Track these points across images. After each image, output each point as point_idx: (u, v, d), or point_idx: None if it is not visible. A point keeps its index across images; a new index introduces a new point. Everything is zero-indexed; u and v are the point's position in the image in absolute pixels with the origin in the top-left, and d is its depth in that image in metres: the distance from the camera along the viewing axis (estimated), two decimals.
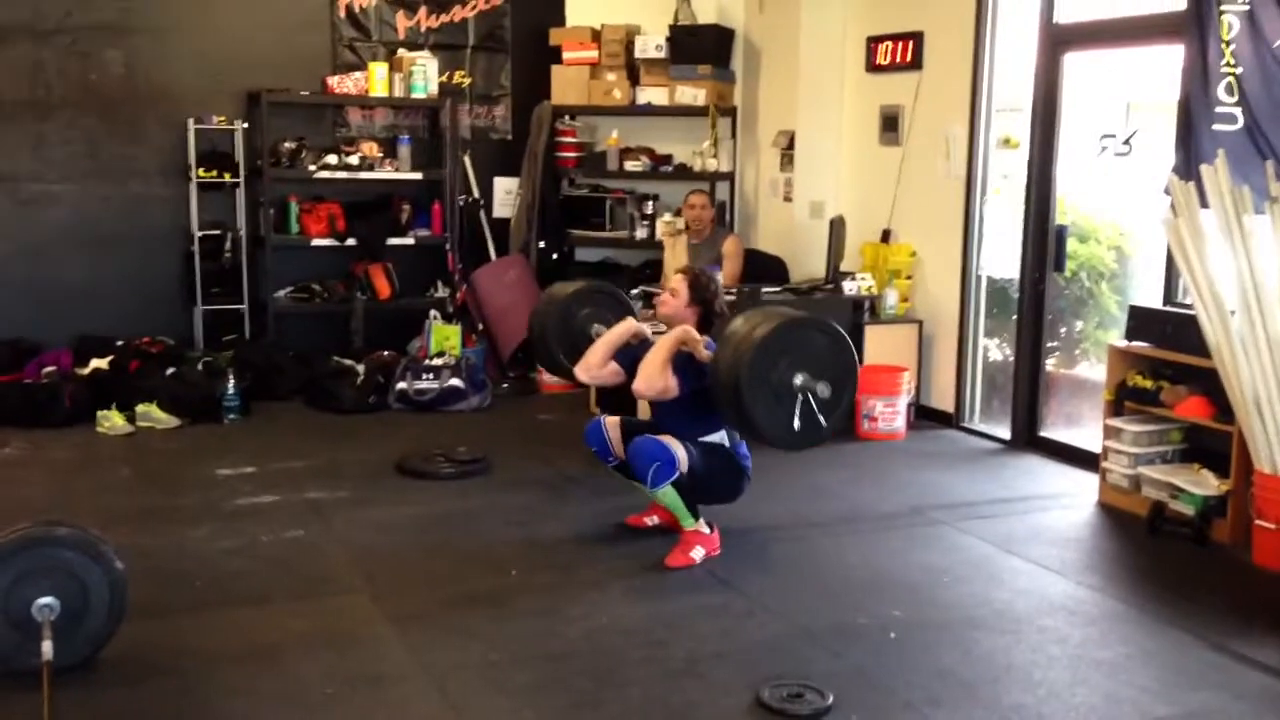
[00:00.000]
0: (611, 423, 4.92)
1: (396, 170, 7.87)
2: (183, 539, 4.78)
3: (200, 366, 6.98)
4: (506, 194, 8.36)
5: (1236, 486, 4.93)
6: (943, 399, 6.98)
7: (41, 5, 7.20)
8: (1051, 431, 6.41)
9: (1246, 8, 4.88)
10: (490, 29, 8.28)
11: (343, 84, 7.76)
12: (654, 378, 4.60)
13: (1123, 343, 5.51)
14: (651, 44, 7.97)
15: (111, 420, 6.44)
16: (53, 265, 7.34)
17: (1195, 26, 5.02)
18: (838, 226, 6.95)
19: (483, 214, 8.27)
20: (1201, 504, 4.98)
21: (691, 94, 7.90)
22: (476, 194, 8.24)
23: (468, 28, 8.22)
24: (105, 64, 7.38)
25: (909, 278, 7.12)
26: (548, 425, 6.84)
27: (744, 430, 4.59)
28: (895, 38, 7.15)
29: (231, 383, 6.71)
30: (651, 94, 8.03)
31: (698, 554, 4.59)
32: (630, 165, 8.12)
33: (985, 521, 5.20)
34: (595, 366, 4.89)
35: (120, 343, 7.14)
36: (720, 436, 4.72)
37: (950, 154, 6.78)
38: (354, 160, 7.74)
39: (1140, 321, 5.44)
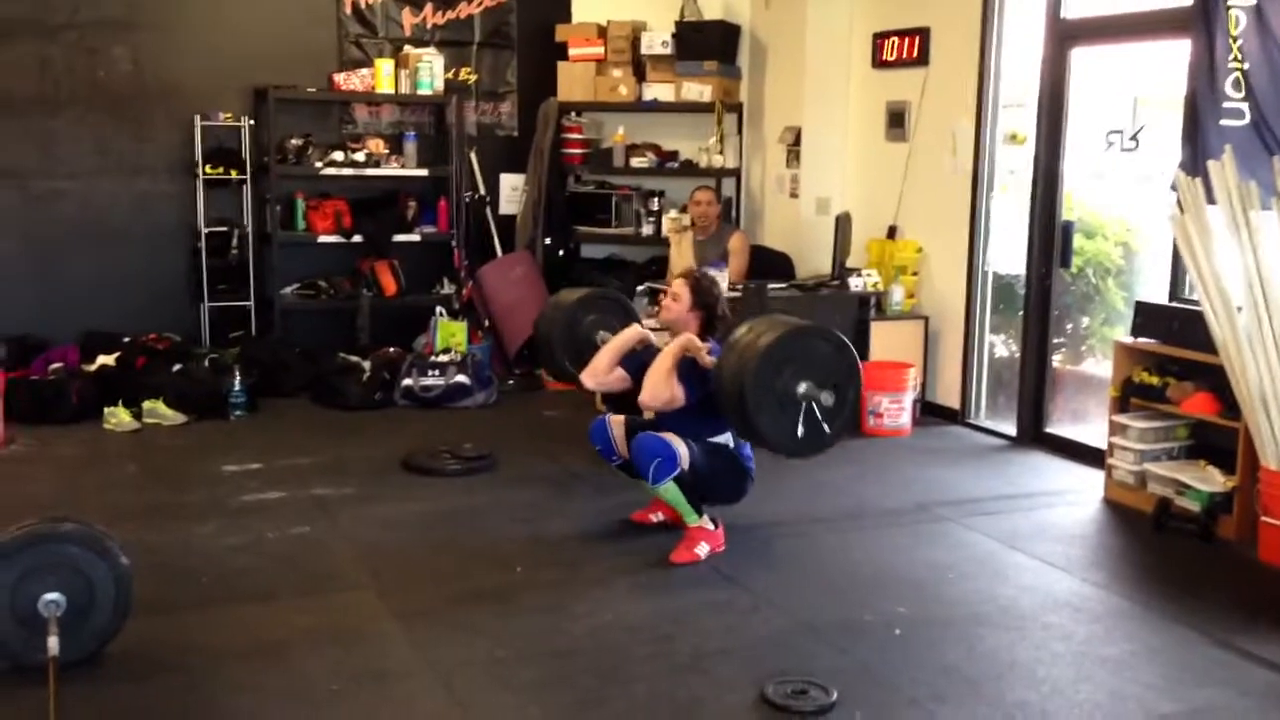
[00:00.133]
0: (616, 421, 4.92)
1: (402, 167, 7.88)
2: (189, 535, 4.79)
3: (207, 363, 6.99)
4: (512, 190, 8.36)
5: (1243, 483, 4.91)
6: (948, 395, 6.97)
7: (49, 0, 7.20)
8: (1057, 428, 6.40)
9: (1254, 3, 4.87)
10: (496, 25, 8.28)
11: (349, 81, 7.77)
12: (659, 389, 4.59)
13: (1129, 339, 5.50)
14: (657, 40, 7.96)
15: (118, 416, 6.45)
16: (60, 261, 7.36)
17: (1202, 21, 4.99)
18: (844, 222, 6.95)
19: (489, 210, 8.27)
20: (1207, 500, 4.97)
21: (697, 90, 7.90)
22: (482, 190, 8.24)
23: (474, 24, 8.22)
24: (113, 60, 7.38)
25: (915, 274, 7.11)
26: (553, 422, 6.85)
27: (749, 437, 4.59)
28: (901, 33, 7.14)
29: (238, 379, 6.72)
30: (657, 90, 8.02)
31: (702, 550, 4.59)
32: (636, 161, 8.13)
33: (990, 518, 5.19)
34: (602, 373, 4.89)
35: (127, 339, 7.14)
36: (726, 438, 4.71)
37: (956, 150, 6.77)
38: (360, 157, 7.75)
39: (1146, 317, 5.43)
